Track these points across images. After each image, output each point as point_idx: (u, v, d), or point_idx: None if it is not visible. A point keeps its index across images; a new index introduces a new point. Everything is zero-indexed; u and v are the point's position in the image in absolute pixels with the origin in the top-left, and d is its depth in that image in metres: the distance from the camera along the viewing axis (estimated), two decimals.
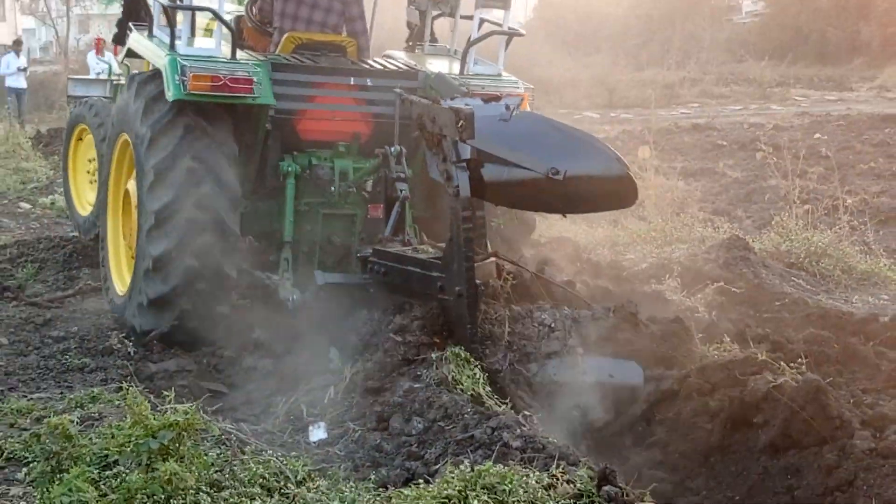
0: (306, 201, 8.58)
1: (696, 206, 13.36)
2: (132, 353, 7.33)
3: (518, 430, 5.14)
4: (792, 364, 6.06)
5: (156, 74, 8.23)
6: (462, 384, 5.94)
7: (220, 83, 7.84)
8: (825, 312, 8.15)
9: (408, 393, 5.78)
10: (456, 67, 9.35)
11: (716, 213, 14.01)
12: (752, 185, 16.86)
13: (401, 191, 7.84)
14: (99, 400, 6.01)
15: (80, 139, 11.09)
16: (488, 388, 6.09)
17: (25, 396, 6.21)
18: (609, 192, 7.01)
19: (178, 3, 8.34)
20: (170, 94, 7.82)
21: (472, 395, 5.90)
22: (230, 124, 8.24)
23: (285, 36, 9.01)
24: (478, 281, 6.68)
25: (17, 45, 31.81)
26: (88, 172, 10.83)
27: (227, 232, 7.91)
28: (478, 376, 6.13)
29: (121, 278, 8.84)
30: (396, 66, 9.33)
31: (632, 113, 34.04)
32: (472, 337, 6.48)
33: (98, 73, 18.68)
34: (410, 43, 10.12)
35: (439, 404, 5.54)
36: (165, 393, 5.89)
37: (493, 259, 7.33)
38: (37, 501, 4.72)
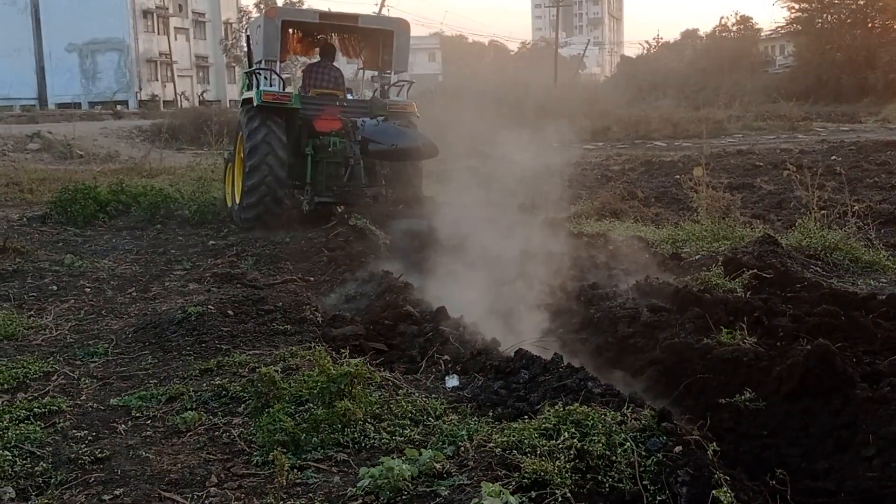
0: (318, 157, 12.84)
1: (738, 212, 13.02)
2: (320, 322, 7.37)
3: (599, 381, 5.10)
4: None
5: (251, 105, 13.04)
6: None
7: (276, 98, 12.92)
8: (835, 292, 7.86)
9: (517, 352, 5.78)
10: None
11: (753, 217, 13.67)
12: (781, 196, 16.38)
13: (350, 159, 12.74)
14: (296, 356, 6.09)
15: (232, 167, 14.64)
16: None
17: (244, 353, 6.34)
18: (413, 153, 12.42)
19: (257, 69, 13.67)
20: (255, 103, 12.81)
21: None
22: (283, 123, 12.98)
23: (312, 89, 13.98)
24: (369, 193, 12.88)
25: None
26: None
27: (278, 176, 12.75)
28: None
29: (236, 197, 13.40)
30: (361, 99, 14.79)
31: (690, 142, 33.46)
32: (362, 211, 11.83)
33: None
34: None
35: (540, 362, 5.52)
36: (342, 350, 6.02)
37: (383, 187, 13.22)
38: (251, 427, 4.84)
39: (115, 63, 73.98)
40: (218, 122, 33.21)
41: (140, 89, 73.83)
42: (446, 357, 6.20)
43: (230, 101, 72.59)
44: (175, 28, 79.17)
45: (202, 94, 78.96)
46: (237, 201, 13.40)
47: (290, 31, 14.72)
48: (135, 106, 68.57)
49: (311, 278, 9.42)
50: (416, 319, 7.13)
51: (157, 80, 76.64)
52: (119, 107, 60.41)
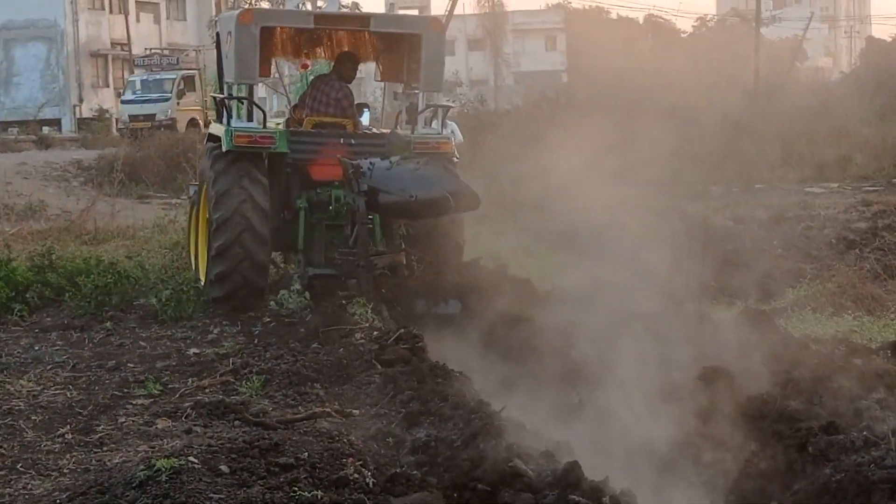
0: (316, 217, 14.67)
1: None
2: (371, 485, 7.34)
3: None
4: None
5: (219, 145, 14.60)
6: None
7: (253, 139, 14.26)
8: None
9: None
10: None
11: None
12: None
13: (355, 215, 13.79)
14: None
15: (197, 216, 16.41)
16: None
17: None
18: (441, 205, 13.55)
19: (228, 97, 15.23)
20: (225, 147, 14.18)
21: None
22: (265, 169, 14.44)
23: (307, 118, 15.55)
24: (381, 264, 13.94)
25: None
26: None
27: (258, 233, 13.92)
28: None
29: (202, 267, 15.21)
30: (373, 133, 16.33)
31: None
32: (368, 293, 13.19)
33: None
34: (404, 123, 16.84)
35: None
36: None
37: (402, 252, 14.53)
38: None
39: (41, 59, 75.75)
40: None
41: (80, 101, 75.18)
42: None
43: None
44: (137, 2, 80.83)
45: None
46: (203, 273, 15.10)
47: (275, 38, 16.62)
48: (71, 127, 69.87)
49: (356, 411, 9.45)
50: (530, 483, 7.11)
51: (108, 85, 78.20)
52: (47, 129, 61.74)
